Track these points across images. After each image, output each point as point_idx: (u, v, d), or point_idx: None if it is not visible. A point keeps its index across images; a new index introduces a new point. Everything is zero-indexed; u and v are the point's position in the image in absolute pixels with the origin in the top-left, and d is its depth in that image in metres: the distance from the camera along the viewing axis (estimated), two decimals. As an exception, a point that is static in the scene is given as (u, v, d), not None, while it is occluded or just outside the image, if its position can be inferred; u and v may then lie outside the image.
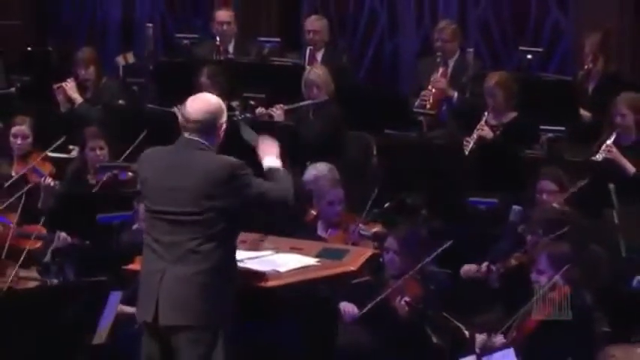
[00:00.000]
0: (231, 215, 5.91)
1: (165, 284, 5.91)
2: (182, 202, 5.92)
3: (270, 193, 5.97)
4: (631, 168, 8.20)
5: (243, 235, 6.17)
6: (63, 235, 7.75)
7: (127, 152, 8.77)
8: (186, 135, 6.02)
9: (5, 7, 12.51)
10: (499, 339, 6.71)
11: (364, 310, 7.03)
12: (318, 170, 8.11)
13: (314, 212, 8.01)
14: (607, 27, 9.58)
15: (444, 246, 7.22)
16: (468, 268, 7.43)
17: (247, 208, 5.97)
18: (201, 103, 6.07)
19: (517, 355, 6.31)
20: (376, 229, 7.84)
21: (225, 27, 10.63)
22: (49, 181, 8.62)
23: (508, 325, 6.73)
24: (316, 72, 9.55)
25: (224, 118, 6.06)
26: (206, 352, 5.89)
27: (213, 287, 5.89)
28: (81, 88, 10.17)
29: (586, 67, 9.36)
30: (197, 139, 5.99)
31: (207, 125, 5.99)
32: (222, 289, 5.91)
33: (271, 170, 6.11)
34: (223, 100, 10.07)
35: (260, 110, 9.60)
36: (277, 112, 9.39)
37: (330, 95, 9.41)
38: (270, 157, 6.16)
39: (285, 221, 7.58)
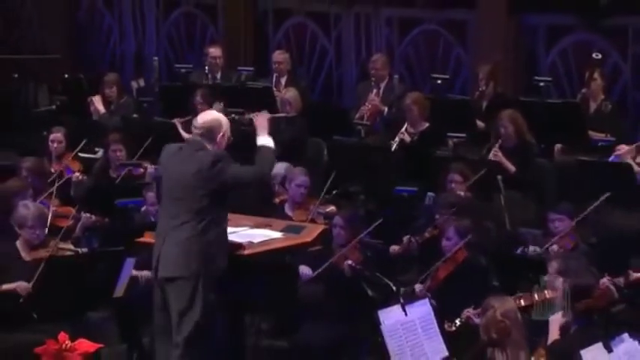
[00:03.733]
0: (216, 195, 5.87)
1: (165, 246, 5.90)
2: (181, 184, 5.91)
3: (245, 175, 5.90)
4: (511, 168, 8.24)
5: (228, 215, 6.11)
6: (88, 215, 7.72)
7: (139, 153, 8.76)
8: (193, 136, 6.03)
9: (48, 45, 12.62)
10: (418, 286, 6.79)
11: (316, 272, 7.03)
12: (281, 167, 8.06)
13: (283, 197, 8.01)
14: (495, 60, 9.65)
15: (376, 223, 7.26)
16: (394, 248, 7.44)
17: (227, 188, 5.89)
18: (206, 115, 6.08)
19: (433, 298, 6.42)
20: (329, 209, 7.86)
21: (217, 60, 10.59)
22: (79, 175, 8.60)
23: (424, 277, 6.83)
24: (290, 94, 9.49)
25: (223, 131, 5.97)
26: (187, 303, 5.84)
27: (196, 249, 5.84)
28: (106, 102, 10.13)
29: (480, 89, 9.42)
30: (200, 140, 5.96)
31: (207, 132, 5.95)
32: (204, 250, 5.84)
33: (259, 149, 6.00)
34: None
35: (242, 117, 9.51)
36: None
37: (299, 112, 9.36)
38: (263, 134, 6.05)
39: (260, 203, 7.59)
